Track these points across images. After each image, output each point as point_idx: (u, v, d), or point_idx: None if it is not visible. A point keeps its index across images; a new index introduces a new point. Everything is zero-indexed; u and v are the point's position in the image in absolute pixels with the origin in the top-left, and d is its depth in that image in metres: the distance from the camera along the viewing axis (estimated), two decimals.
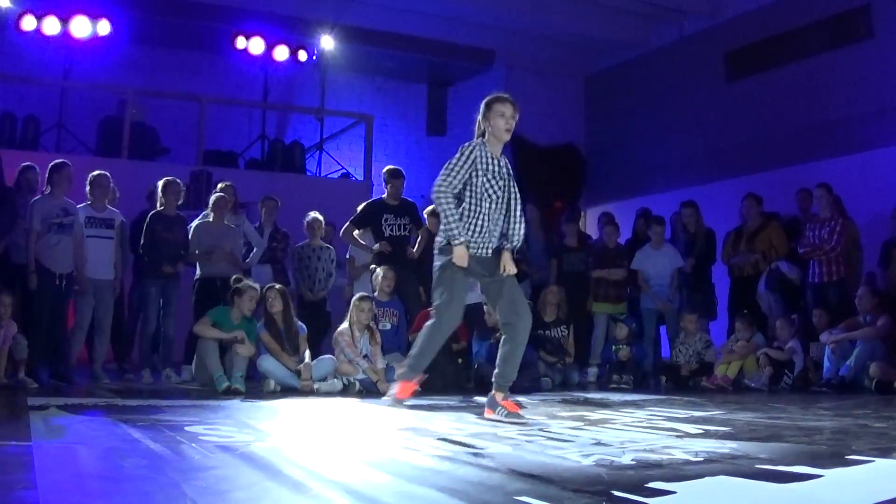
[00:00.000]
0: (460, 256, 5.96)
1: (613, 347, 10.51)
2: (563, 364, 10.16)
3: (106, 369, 9.73)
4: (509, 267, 6.12)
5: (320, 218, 10.89)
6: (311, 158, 16.39)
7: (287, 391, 8.37)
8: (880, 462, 3.79)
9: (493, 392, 6.08)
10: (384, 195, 10.43)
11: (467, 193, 6.04)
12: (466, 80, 17.88)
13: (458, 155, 6.07)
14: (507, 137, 6.10)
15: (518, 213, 6.25)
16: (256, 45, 15.28)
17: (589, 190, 17.13)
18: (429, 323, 6.41)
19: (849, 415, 6.26)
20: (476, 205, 6.05)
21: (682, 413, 6.44)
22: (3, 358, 8.28)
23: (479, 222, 6.07)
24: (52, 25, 13.87)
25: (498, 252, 6.19)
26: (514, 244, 6.25)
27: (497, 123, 6.04)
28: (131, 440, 4.46)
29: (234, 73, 16.15)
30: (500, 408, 5.94)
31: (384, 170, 10.65)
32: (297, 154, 15.82)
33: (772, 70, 13.96)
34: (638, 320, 11.19)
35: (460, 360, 9.49)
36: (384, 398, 6.20)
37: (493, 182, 6.06)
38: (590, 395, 8.73)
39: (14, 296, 8.63)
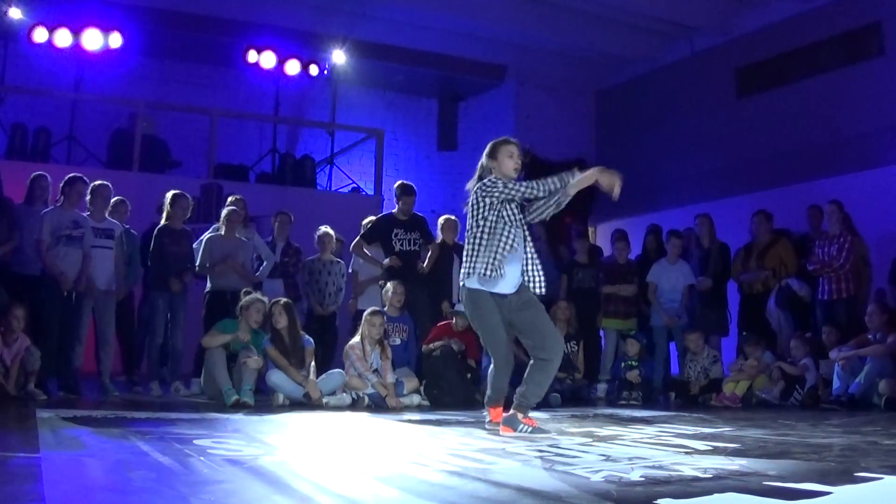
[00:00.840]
0: (601, 174, 6.16)
1: (623, 364, 10.48)
2: (573, 380, 10.13)
3: (115, 381, 9.74)
4: None
5: (331, 232, 10.88)
6: (321, 173, 16.41)
7: (296, 405, 8.37)
8: (889, 479, 3.77)
9: (512, 411, 6.10)
10: (394, 210, 10.43)
11: (501, 223, 6.14)
12: (477, 95, 17.94)
13: (497, 181, 6.19)
14: (515, 176, 6.26)
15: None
16: (268, 60, 15.34)
17: (599, 206, 17.09)
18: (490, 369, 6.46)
19: (858, 432, 6.23)
20: (510, 233, 6.14)
21: (691, 430, 6.42)
22: (14, 370, 8.29)
23: (512, 250, 6.15)
24: (63, 38, 13.94)
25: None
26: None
27: (506, 164, 6.23)
28: (140, 453, 4.46)
29: (245, 87, 16.21)
30: (522, 426, 5.97)
31: (396, 185, 10.66)
32: (308, 168, 15.85)
33: (782, 87, 13.98)
34: (648, 337, 11.16)
35: (469, 376, 9.47)
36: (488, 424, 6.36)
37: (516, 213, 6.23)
38: (599, 411, 8.71)
39: (24, 308, 8.65)
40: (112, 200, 9.86)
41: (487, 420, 6.34)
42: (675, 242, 11.38)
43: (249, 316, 8.76)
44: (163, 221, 10.00)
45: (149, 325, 10.00)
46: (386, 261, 10.07)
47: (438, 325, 9.77)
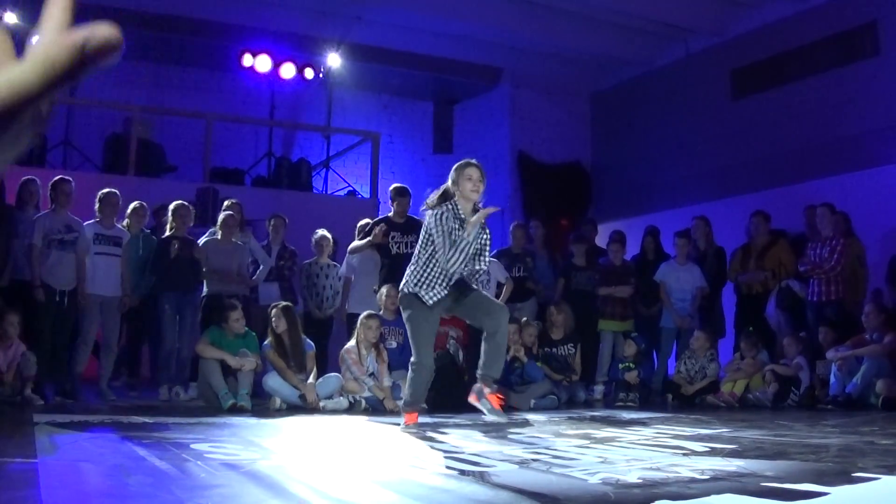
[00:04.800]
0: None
1: (620, 365, 10.47)
2: (570, 381, 10.12)
3: (113, 386, 9.73)
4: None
5: (328, 236, 10.90)
6: (317, 176, 16.42)
7: (293, 409, 8.37)
8: (887, 479, 3.77)
9: (479, 384, 6.79)
10: (390, 213, 10.42)
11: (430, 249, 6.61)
12: (473, 97, 17.96)
13: (434, 225, 6.57)
14: (476, 198, 6.64)
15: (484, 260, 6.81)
16: (263, 63, 15.33)
17: (596, 207, 17.12)
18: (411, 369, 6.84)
19: (855, 432, 6.23)
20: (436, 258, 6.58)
21: (689, 431, 6.42)
22: (10, 375, 8.28)
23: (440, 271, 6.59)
24: None
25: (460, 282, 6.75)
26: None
27: (465, 186, 6.59)
28: (137, 458, 4.45)
29: (240, 91, 16.24)
30: (484, 399, 6.71)
31: (391, 188, 10.65)
32: (304, 172, 15.84)
33: (778, 87, 13.98)
34: (647, 338, 11.15)
35: (465, 378, 9.45)
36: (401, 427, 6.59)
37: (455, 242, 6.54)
38: (596, 413, 8.71)
39: (19, 314, 8.63)
40: (131, 206, 9.96)
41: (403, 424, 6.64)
42: (680, 243, 11.35)
43: (230, 326, 8.76)
44: (164, 227, 10.02)
45: (158, 330, 9.98)
46: (369, 238, 9.95)
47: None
